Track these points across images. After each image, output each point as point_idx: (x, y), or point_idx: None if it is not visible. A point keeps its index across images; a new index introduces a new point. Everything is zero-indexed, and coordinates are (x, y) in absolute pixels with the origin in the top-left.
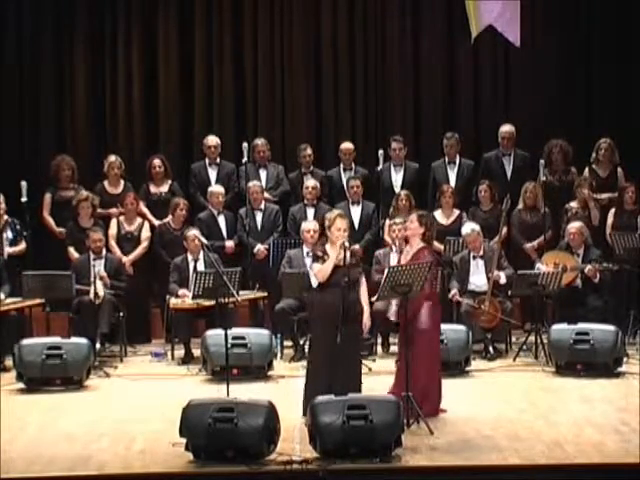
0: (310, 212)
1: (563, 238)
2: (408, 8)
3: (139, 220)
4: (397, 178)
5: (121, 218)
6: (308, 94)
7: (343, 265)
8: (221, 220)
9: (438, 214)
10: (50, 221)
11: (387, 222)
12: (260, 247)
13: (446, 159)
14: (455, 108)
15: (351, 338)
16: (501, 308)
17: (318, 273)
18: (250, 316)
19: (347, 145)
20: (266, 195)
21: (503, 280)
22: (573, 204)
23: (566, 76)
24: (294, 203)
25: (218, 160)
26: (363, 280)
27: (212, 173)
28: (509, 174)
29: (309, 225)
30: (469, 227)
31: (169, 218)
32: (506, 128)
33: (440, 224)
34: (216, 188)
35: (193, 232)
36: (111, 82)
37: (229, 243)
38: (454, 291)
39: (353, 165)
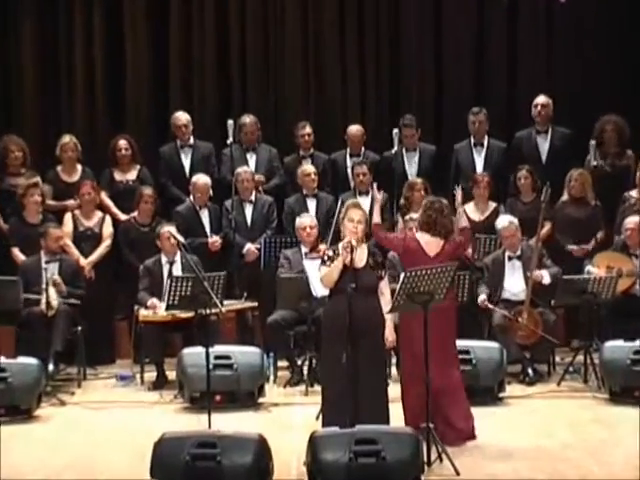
0: (311, 204)
1: (619, 235)
2: None
3: (99, 214)
4: (411, 164)
5: (76, 212)
6: (307, 60)
7: (350, 267)
8: (204, 215)
9: (470, 208)
10: None
11: (400, 219)
12: (250, 246)
13: (472, 140)
14: (485, 80)
15: (370, 356)
16: (542, 321)
17: (324, 278)
18: (237, 331)
19: (355, 131)
20: (258, 177)
21: (547, 280)
22: (633, 193)
23: (620, 41)
24: (291, 193)
25: (192, 141)
26: (384, 285)
27: (185, 157)
28: (544, 156)
29: (305, 220)
30: (506, 219)
31: (134, 212)
32: (540, 99)
33: (472, 220)
34: (201, 179)
35: (167, 229)
36: (67, 47)
37: (214, 238)
38: (483, 297)
39: (363, 149)
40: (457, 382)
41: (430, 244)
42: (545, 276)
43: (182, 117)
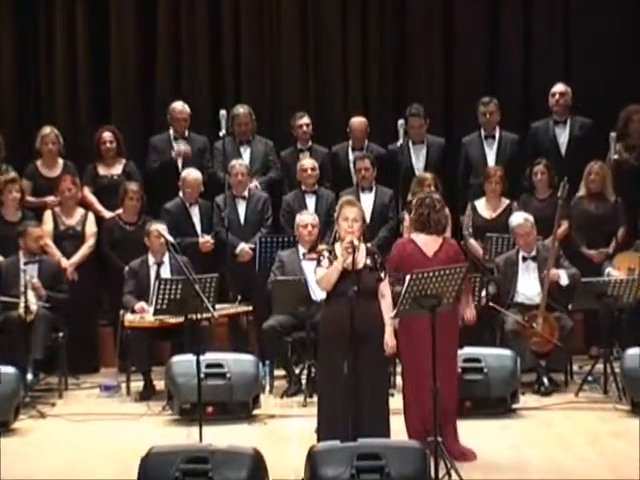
0: (310, 201)
1: None
2: None
3: (81, 211)
4: (419, 157)
5: (57, 209)
6: (306, 44)
7: (352, 270)
8: (194, 212)
9: (481, 205)
10: None
11: (406, 216)
12: (244, 246)
13: (482, 132)
14: (499, 67)
15: (371, 363)
16: (558, 327)
17: (321, 280)
18: (230, 337)
19: (357, 122)
20: (251, 185)
21: (564, 280)
22: None
23: None
24: (289, 189)
25: (186, 133)
26: (384, 287)
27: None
28: (563, 149)
29: (306, 218)
30: (521, 216)
31: (119, 210)
32: (559, 87)
33: (483, 218)
34: (192, 174)
35: (157, 227)
36: (47, 33)
37: (205, 238)
38: (483, 293)
39: (366, 142)
40: (452, 392)
41: (428, 243)
42: (562, 276)
43: (184, 109)
